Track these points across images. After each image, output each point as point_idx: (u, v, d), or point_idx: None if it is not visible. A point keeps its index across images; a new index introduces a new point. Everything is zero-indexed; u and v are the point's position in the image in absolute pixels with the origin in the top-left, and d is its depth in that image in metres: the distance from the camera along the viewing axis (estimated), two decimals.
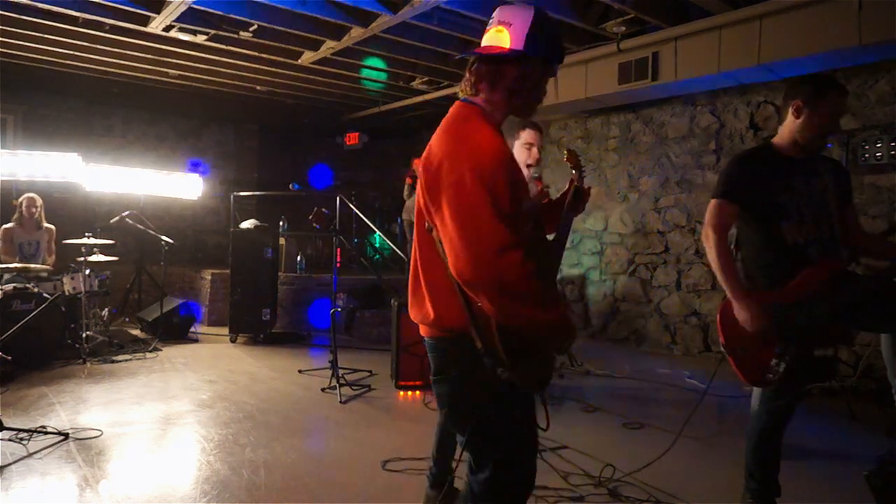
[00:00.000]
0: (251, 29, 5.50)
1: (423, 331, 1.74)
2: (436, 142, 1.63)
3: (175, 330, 6.78)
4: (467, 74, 1.69)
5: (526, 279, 1.48)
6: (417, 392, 4.91)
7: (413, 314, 1.74)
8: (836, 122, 2.47)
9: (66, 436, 3.60)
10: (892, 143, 5.00)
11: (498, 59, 1.64)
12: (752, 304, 2.39)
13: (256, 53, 6.23)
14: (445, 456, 2.69)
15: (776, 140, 2.56)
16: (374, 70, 6.87)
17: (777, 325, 2.40)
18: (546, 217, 1.96)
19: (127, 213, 6.85)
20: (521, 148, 2.69)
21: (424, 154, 1.65)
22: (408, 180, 8.72)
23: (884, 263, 2.63)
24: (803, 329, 2.41)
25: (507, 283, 1.47)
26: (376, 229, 6.55)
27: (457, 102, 1.70)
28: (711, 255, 2.49)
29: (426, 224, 1.62)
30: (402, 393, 4.90)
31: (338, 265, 5.54)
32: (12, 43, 6.03)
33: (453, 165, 1.53)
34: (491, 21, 1.66)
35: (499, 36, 1.63)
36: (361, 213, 6.19)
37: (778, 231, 2.45)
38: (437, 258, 1.60)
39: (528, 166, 2.65)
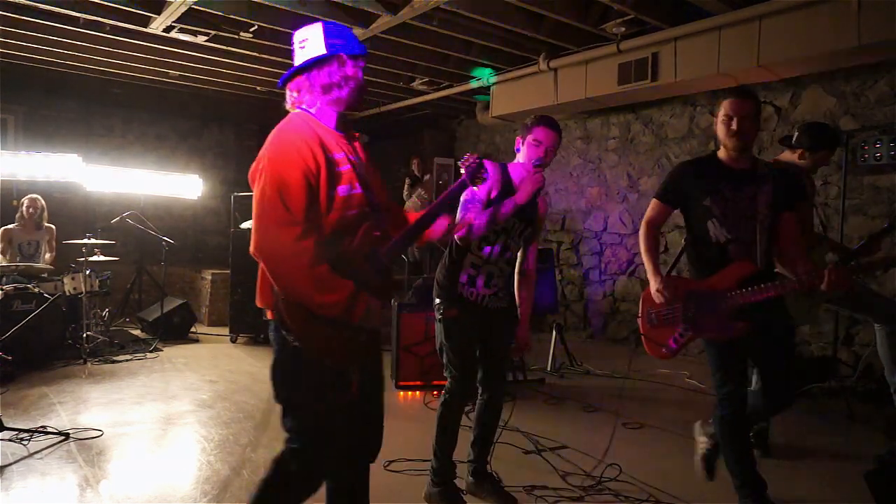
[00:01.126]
0: (251, 29, 5.50)
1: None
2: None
3: (175, 330, 6.79)
4: (287, 92, 2.00)
5: (299, 255, 1.75)
6: (417, 392, 4.91)
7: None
8: (737, 124, 2.64)
9: (66, 436, 3.60)
10: (892, 144, 5.00)
11: (307, 68, 1.94)
12: (659, 279, 2.79)
13: (256, 54, 6.24)
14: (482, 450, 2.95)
15: (720, 150, 2.80)
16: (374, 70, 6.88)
17: (689, 310, 2.79)
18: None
19: (127, 213, 6.86)
20: (530, 144, 2.72)
21: None
22: (407, 180, 8.75)
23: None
24: (711, 316, 2.74)
25: (281, 256, 1.77)
26: None
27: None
28: (640, 242, 2.92)
29: None
30: (401, 393, 4.90)
31: None
32: (12, 43, 6.04)
33: (260, 159, 1.86)
34: (294, 47, 1.99)
35: (303, 52, 1.96)
36: None
37: (705, 230, 2.74)
38: None
39: (535, 164, 2.67)
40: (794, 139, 3.51)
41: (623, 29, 5.38)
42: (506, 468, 3.20)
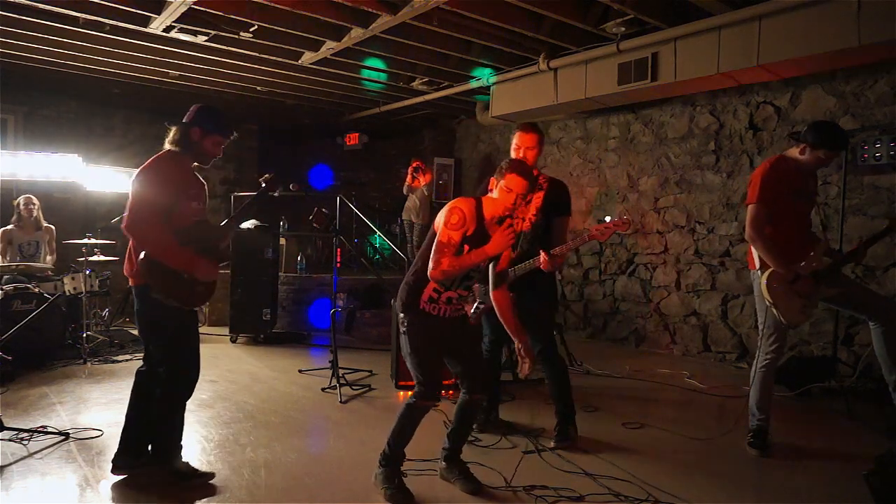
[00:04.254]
0: (251, 29, 5.50)
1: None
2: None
3: None
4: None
5: (149, 233, 2.91)
6: None
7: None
8: (522, 153, 3.56)
9: (66, 436, 3.61)
10: (892, 144, 5.00)
11: (182, 125, 3.12)
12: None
13: (256, 54, 6.24)
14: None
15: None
16: (373, 70, 6.88)
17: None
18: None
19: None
20: (503, 190, 2.85)
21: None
22: (407, 180, 8.75)
23: None
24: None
25: (137, 235, 2.94)
26: (376, 229, 6.55)
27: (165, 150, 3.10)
28: None
29: None
30: (401, 393, 4.90)
31: (338, 265, 5.55)
32: (12, 43, 6.03)
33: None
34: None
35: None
36: (361, 213, 6.19)
37: None
38: None
39: (506, 211, 2.85)
40: (801, 134, 3.51)
41: (623, 29, 5.38)
42: (506, 468, 3.20)
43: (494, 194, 2.91)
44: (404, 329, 2.93)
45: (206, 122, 3.08)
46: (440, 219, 2.86)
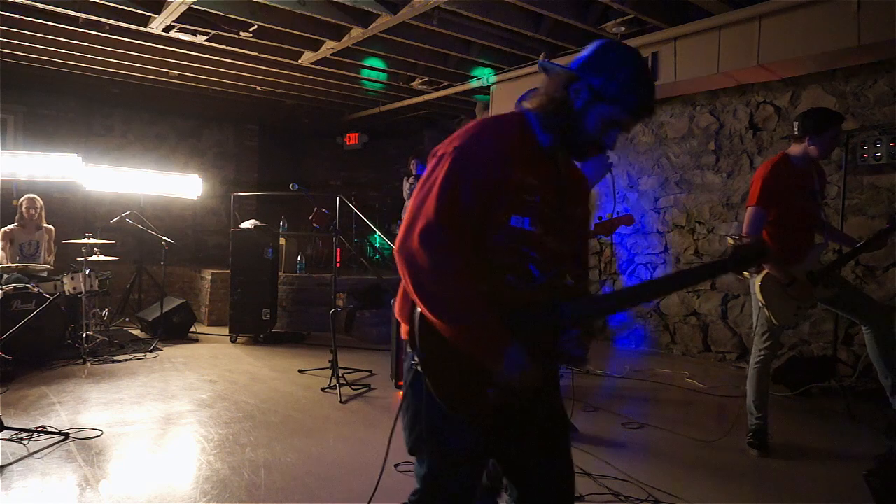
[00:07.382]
0: (251, 29, 5.50)
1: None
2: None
3: (175, 330, 6.79)
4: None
5: (433, 266, 1.39)
6: None
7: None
8: None
9: (66, 435, 3.60)
10: (892, 143, 5.01)
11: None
12: None
13: (256, 54, 6.24)
14: None
15: None
16: (373, 70, 6.88)
17: None
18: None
19: (127, 213, 6.86)
20: None
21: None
22: (410, 179, 8.74)
23: None
24: None
25: (415, 262, 1.41)
26: (376, 229, 6.55)
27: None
28: None
29: None
30: (402, 393, 4.90)
31: (338, 265, 5.55)
32: (12, 43, 6.04)
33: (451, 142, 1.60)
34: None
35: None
36: (361, 213, 6.19)
37: None
38: None
39: None
40: (797, 129, 3.49)
41: (623, 29, 5.38)
42: None
43: None
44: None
45: (593, 72, 1.57)
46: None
